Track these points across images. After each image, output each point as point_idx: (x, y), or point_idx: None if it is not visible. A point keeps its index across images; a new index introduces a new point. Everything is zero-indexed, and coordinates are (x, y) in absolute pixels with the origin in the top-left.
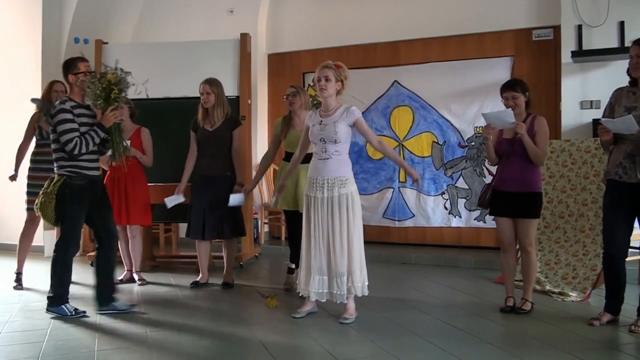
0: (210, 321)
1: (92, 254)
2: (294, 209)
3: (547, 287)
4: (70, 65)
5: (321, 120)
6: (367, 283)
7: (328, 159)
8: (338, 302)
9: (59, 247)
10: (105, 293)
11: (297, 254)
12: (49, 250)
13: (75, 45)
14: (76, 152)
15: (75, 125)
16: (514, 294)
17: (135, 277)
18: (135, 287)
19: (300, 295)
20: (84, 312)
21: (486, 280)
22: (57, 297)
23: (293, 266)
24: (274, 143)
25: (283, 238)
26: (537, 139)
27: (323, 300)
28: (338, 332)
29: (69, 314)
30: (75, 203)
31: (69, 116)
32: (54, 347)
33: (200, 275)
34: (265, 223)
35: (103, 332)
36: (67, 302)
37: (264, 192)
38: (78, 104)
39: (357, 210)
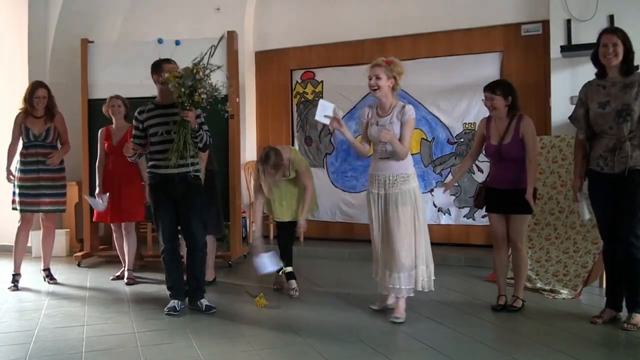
0: (199, 321)
1: (79, 254)
2: (292, 219)
3: (538, 285)
4: (155, 66)
5: (378, 121)
6: (433, 278)
7: (389, 158)
8: (401, 296)
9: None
10: (191, 290)
11: (287, 254)
12: (37, 251)
13: (59, 44)
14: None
15: (136, 132)
16: (506, 292)
17: (126, 274)
18: (124, 287)
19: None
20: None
21: (476, 279)
22: (170, 291)
23: (282, 265)
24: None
25: (271, 237)
26: (526, 141)
27: (386, 293)
28: (328, 333)
29: (168, 309)
30: (154, 202)
31: (134, 123)
32: (41, 348)
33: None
34: (253, 222)
35: (91, 333)
36: (177, 299)
37: (252, 191)
38: (156, 105)
39: (421, 206)
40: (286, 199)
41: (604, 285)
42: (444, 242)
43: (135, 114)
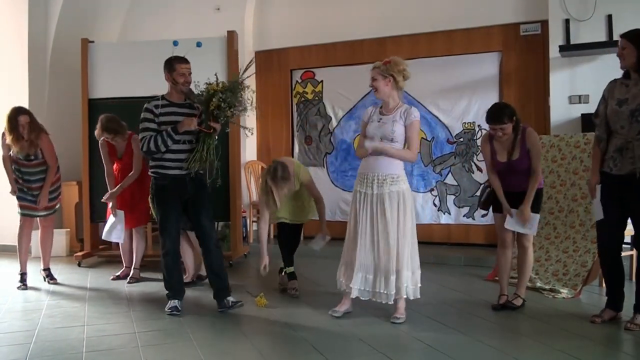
0: (199, 320)
1: (80, 254)
2: (294, 221)
3: (538, 284)
4: (168, 64)
5: (381, 119)
6: (419, 285)
7: (380, 155)
8: (383, 302)
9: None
10: (215, 290)
11: (288, 257)
12: (37, 251)
13: (59, 44)
14: (144, 149)
15: (151, 125)
16: (508, 292)
17: (132, 272)
18: (124, 287)
19: (343, 290)
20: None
21: (476, 278)
22: (169, 290)
23: (283, 265)
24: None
25: (272, 237)
26: (532, 155)
27: (364, 299)
28: (329, 332)
29: (170, 309)
30: (161, 203)
31: (148, 115)
32: (41, 348)
33: (186, 275)
34: (253, 222)
35: (91, 333)
36: (177, 299)
37: (252, 191)
38: (170, 102)
39: (409, 209)
40: (286, 208)
41: (604, 285)
42: (443, 242)
43: (150, 106)
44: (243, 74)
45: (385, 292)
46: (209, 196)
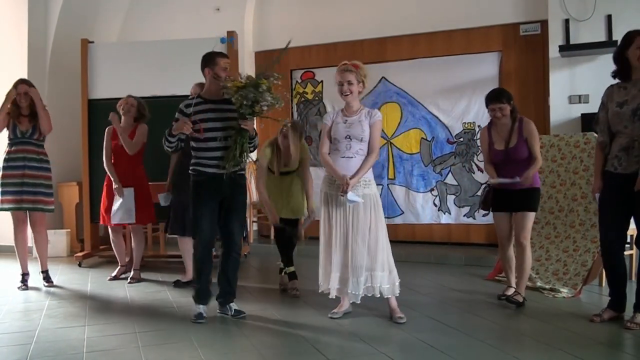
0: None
1: (80, 254)
2: (291, 217)
3: (538, 284)
4: (208, 59)
5: (346, 120)
6: (396, 283)
7: (352, 157)
8: (351, 301)
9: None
10: (221, 292)
11: (287, 255)
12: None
13: (59, 44)
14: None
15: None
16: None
17: (132, 273)
18: (125, 287)
19: (322, 292)
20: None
21: (477, 277)
22: (195, 294)
23: (282, 265)
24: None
25: (272, 237)
26: (530, 143)
27: (339, 296)
28: (330, 332)
29: (195, 317)
30: (196, 201)
31: (177, 116)
32: (42, 349)
33: (183, 275)
34: (254, 222)
35: (92, 333)
36: (204, 302)
37: (252, 191)
38: (204, 99)
39: (380, 212)
40: (283, 196)
41: (604, 284)
42: (444, 241)
43: (181, 106)
44: (276, 60)
45: (354, 292)
46: (245, 201)
